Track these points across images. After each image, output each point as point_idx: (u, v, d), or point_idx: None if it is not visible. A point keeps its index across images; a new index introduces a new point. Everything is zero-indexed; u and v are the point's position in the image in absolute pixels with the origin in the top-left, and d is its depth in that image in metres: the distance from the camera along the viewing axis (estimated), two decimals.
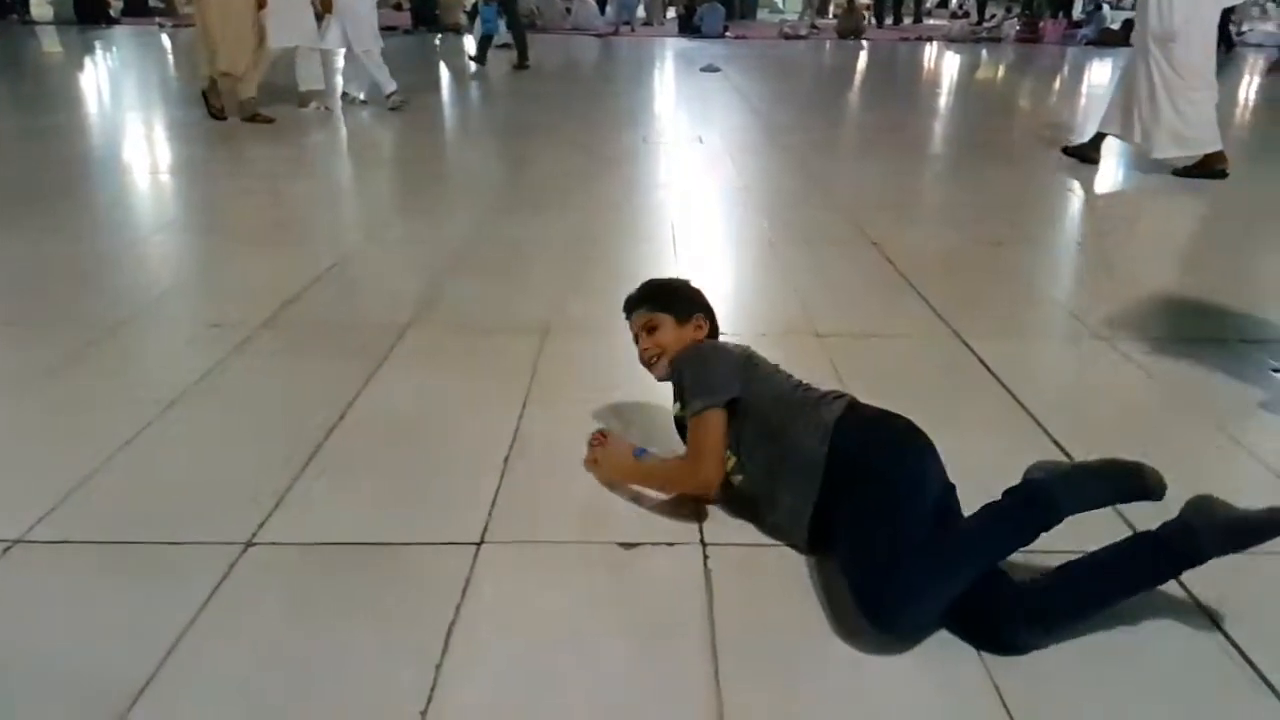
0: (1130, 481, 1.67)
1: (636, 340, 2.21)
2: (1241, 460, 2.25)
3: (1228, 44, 16.09)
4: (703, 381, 1.95)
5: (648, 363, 2.17)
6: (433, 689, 1.48)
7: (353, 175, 5.95)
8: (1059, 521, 1.64)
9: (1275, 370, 2.76)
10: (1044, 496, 1.66)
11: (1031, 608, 1.61)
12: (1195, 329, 3.11)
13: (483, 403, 2.50)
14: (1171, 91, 5.38)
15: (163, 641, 1.58)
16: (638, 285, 2.29)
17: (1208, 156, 5.51)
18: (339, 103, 7.97)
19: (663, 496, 2.02)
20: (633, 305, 2.25)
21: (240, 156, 6.03)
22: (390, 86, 7.78)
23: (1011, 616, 1.60)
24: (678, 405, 2.04)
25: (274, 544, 1.87)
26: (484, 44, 11.59)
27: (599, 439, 2.19)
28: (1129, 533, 1.83)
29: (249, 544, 1.86)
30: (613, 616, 1.68)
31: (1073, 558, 1.68)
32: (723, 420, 1.91)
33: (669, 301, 2.20)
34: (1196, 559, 1.60)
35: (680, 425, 2.05)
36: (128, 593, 1.73)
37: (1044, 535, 1.65)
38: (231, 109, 7.00)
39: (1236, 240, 4.33)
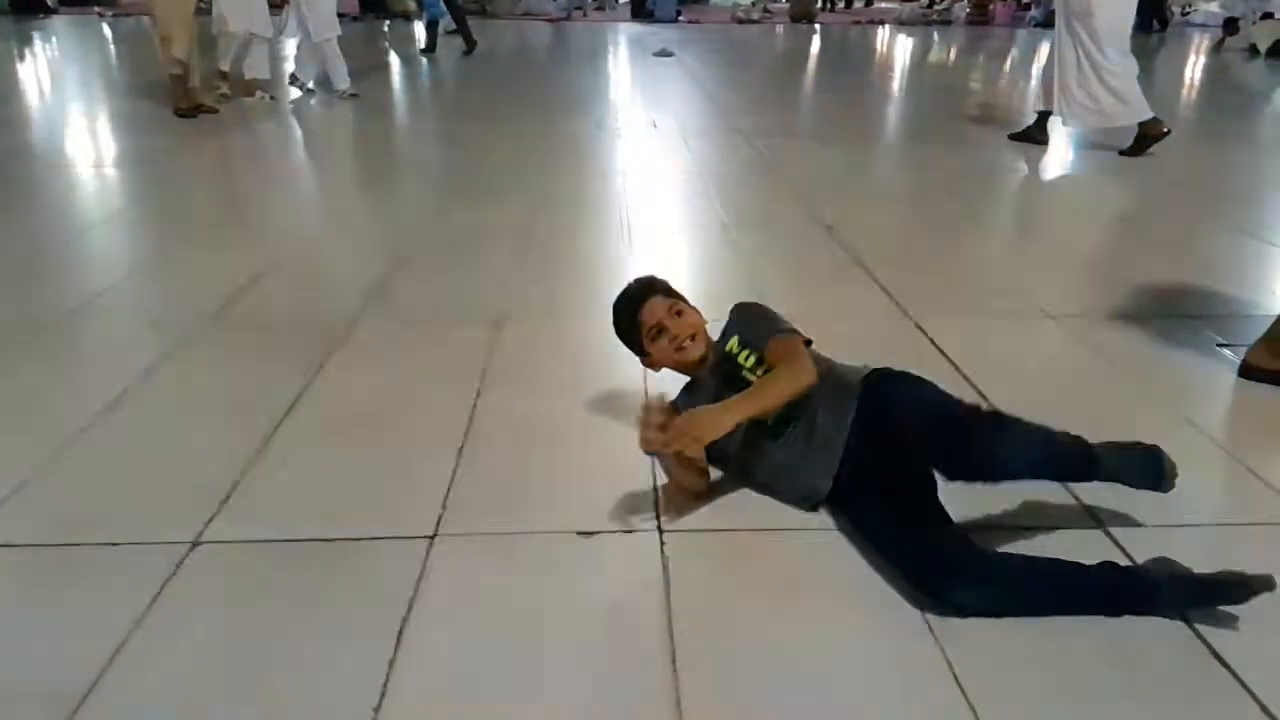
0: (1233, 590, 1.61)
1: (658, 333, 2.11)
2: (1187, 433, 2.29)
3: (1161, 23, 16.42)
4: (780, 320, 2.10)
5: (681, 345, 2.10)
6: (385, 685, 1.46)
7: (301, 165, 5.85)
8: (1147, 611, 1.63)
9: (1220, 345, 2.81)
10: (1146, 586, 1.64)
11: (987, 576, 1.65)
12: (1142, 305, 3.16)
13: (435, 394, 2.47)
14: (1089, 65, 5.53)
15: (107, 645, 1.54)
16: (625, 289, 2.23)
17: (1143, 126, 5.64)
18: (285, 91, 7.82)
19: (620, 487, 2.01)
20: (642, 300, 2.16)
21: (185, 148, 5.89)
22: (344, 84, 7.66)
23: (966, 580, 1.64)
24: (743, 349, 2.05)
25: (221, 543, 1.83)
26: (432, 29, 11.44)
27: (660, 416, 1.86)
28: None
29: (195, 543, 1.82)
30: (569, 607, 1.66)
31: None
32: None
33: (670, 288, 2.21)
34: (1153, 603, 1.62)
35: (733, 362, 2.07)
36: (71, 596, 1.69)
37: None
38: (189, 100, 6.73)
39: (1180, 217, 4.40)
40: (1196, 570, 1.64)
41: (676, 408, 1.95)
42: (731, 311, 2.19)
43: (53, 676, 1.48)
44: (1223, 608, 1.61)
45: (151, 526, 1.87)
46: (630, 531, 1.88)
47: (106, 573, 1.75)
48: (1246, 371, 2.61)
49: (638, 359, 2.23)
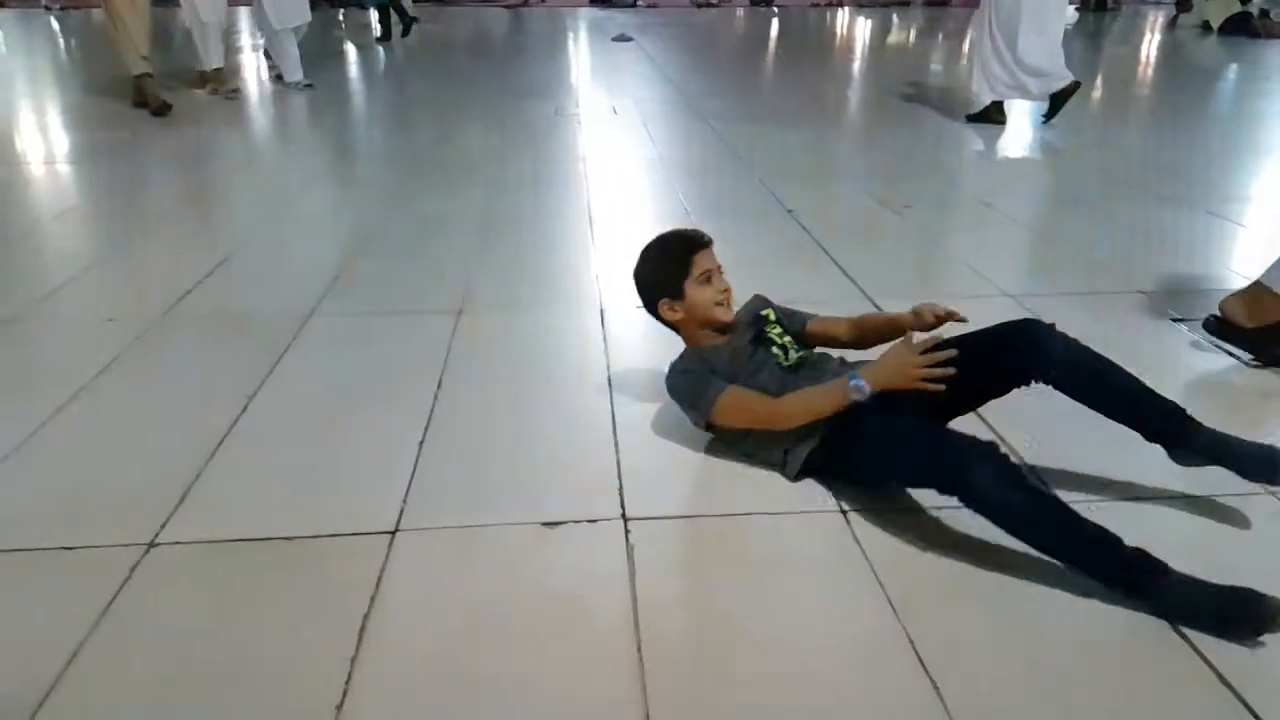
0: (1249, 609, 1.54)
1: (707, 280, 2.11)
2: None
3: (1100, 5, 16.65)
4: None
5: (724, 301, 2.12)
6: (348, 683, 1.44)
7: (257, 157, 5.74)
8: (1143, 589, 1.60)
9: (1175, 319, 2.85)
10: (1155, 568, 1.59)
11: (1005, 469, 1.65)
12: (1098, 282, 3.20)
13: (395, 386, 2.44)
14: (1004, 43, 5.78)
15: (62, 651, 1.51)
16: (678, 229, 2.23)
17: (1056, 93, 5.90)
18: (241, 82, 7.68)
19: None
20: (701, 244, 2.14)
21: (140, 142, 5.76)
22: (295, 75, 7.54)
23: (985, 461, 1.65)
24: (777, 323, 2.17)
25: (178, 543, 1.80)
26: (384, 16, 11.27)
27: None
28: None
29: (151, 544, 1.79)
30: (534, 599, 1.65)
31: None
32: None
33: None
34: (1149, 590, 1.59)
35: (801, 337, 2.19)
36: (24, 602, 1.65)
37: None
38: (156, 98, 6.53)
39: (1135, 194, 4.46)
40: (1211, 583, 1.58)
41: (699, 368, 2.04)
42: (754, 298, 2.27)
43: (7, 683, 1.45)
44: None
45: (106, 529, 1.83)
46: (594, 521, 1.87)
47: (61, 577, 1.71)
48: (1218, 325, 2.61)
49: (649, 307, 2.18)
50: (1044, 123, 6.03)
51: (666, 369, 2.14)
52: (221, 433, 2.19)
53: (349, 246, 3.65)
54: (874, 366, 1.87)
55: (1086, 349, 1.92)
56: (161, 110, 6.34)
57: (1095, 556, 1.62)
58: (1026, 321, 1.99)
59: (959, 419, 2.07)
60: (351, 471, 2.05)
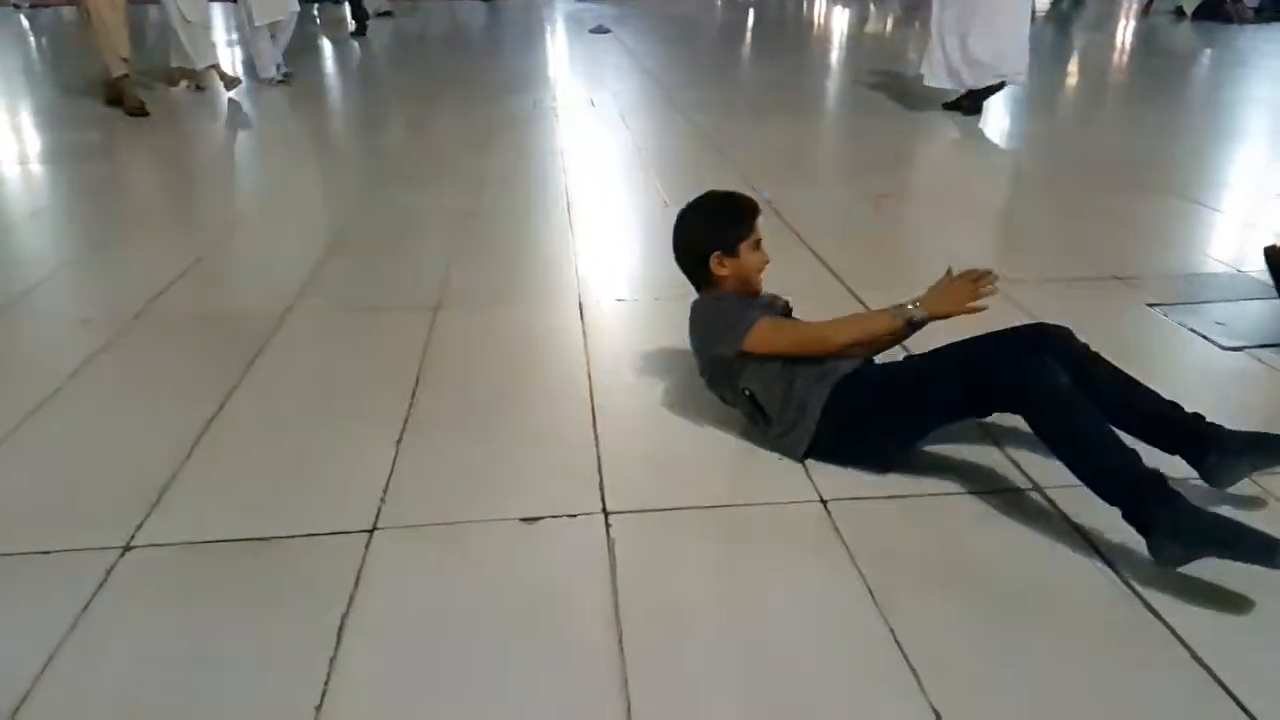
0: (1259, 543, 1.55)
1: (757, 246, 2.13)
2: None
3: None
4: None
5: (763, 271, 2.16)
6: (326, 684, 1.43)
7: (234, 155, 5.69)
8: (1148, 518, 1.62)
9: (1150, 305, 2.87)
10: (1172, 498, 1.61)
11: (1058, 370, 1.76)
12: (1074, 268, 3.22)
13: (372, 383, 2.43)
14: (952, 22, 5.82)
15: (37, 657, 1.50)
16: (733, 193, 2.21)
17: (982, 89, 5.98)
18: (212, 80, 7.59)
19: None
20: (757, 212, 2.15)
21: (116, 142, 5.69)
22: (268, 73, 7.47)
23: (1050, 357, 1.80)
24: None
25: (154, 546, 1.78)
26: (358, 11, 11.16)
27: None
28: None
29: (127, 547, 1.77)
30: (514, 595, 1.64)
31: None
32: None
33: None
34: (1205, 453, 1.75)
35: None
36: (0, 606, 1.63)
37: None
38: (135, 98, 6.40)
39: (1108, 180, 4.48)
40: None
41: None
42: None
43: None
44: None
45: (82, 531, 1.81)
46: (575, 516, 1.86)
47: (36, 581, 1.69)
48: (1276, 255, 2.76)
49: (693, 257, 2.15)
50: (952, 110, 6.10)
51: (690, 326, 2.16)
52: (197, 433, 2.17)
53: (325, 243, 3.63)
54: (925, 296, 1.97)
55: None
56: (137, 111, 6.26)
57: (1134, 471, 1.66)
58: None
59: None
60: (328, 470, 2.03)
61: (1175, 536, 1.58)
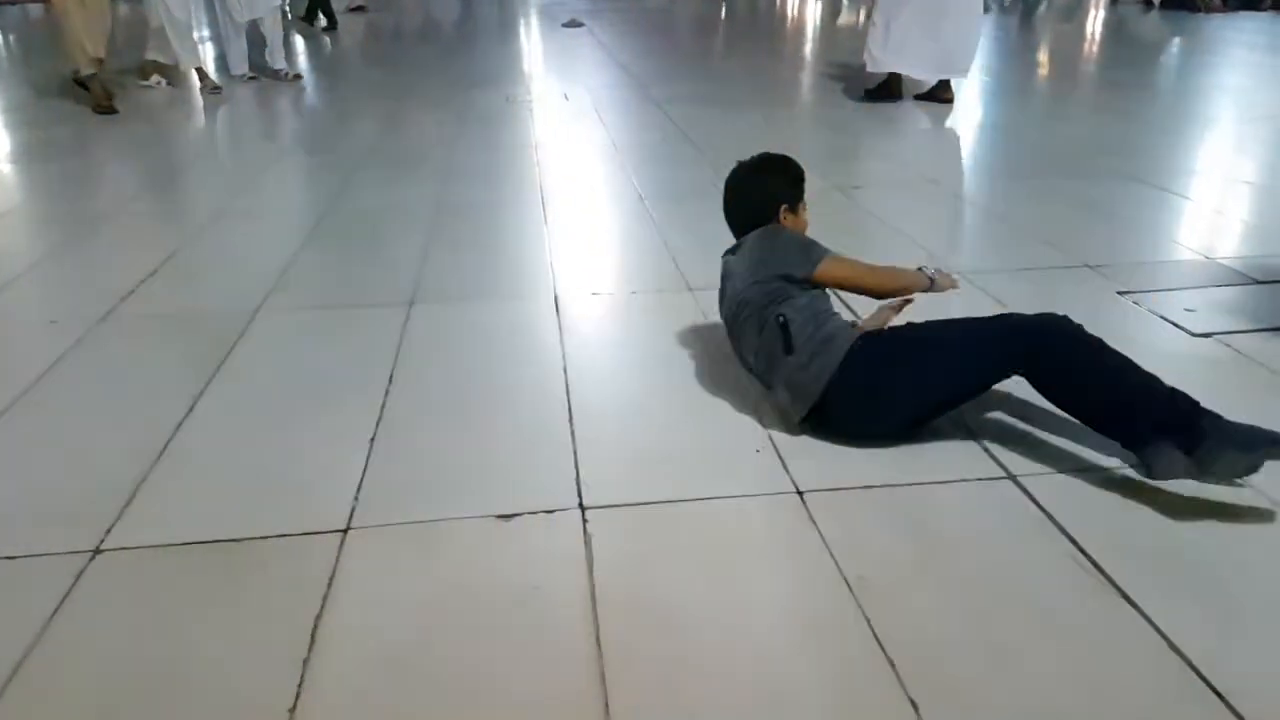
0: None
1: (807, 207, 2.39)
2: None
3: None
4: None
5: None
6: (300, 686, 1.42)
7: (205, 153, 5.62)
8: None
9: (1121, 293, 2.89)
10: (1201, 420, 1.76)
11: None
12: (1045, 257, 3.24)
13: (345, 381, 2.41)
14: (892, 16, 5.88)
15: (5, 664, 1.47)
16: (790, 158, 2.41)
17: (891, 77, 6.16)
18: (182, 77, 7.49)
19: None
20: None
21: (85, 141, 5.60)
22: (240, 69, 7.39)
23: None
24: None
25: (124, 549, 1.76)
26: (325, 7, 11.02)
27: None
28: None
29: (96, 551, 1.75)
30: (491, 593, 1.63)
31: None
32: None
33: None
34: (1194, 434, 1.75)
35: None
36: None
37: None
38: (106, 96, 6.29)
39: (1077, 169, 4.51)
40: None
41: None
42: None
43: None
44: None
45: (50, 536, 1.78)
46: (551, 512, 1.85)
47: (3, 587, 1.66)
48: None
49: (763, 209, 2.30)
50: (874, 100, 6.22)
51: (754, 248, 2.23)
52: (167, 434, 2.14)
53: (297, 240, 3.59)
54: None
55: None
56: (105, 109, 6.18)
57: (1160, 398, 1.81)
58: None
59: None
60: (301, 470, 2.01)
61: (1228, 441, 1.71)
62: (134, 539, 1.78)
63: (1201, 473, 1.74)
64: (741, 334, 2.21)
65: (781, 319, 2.08)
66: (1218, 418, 1.77)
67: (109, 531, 1.80)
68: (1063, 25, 12.22)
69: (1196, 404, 1.80)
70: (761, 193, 2.32)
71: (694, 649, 1.50)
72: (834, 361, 2.01)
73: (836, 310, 2.22)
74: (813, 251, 2.16)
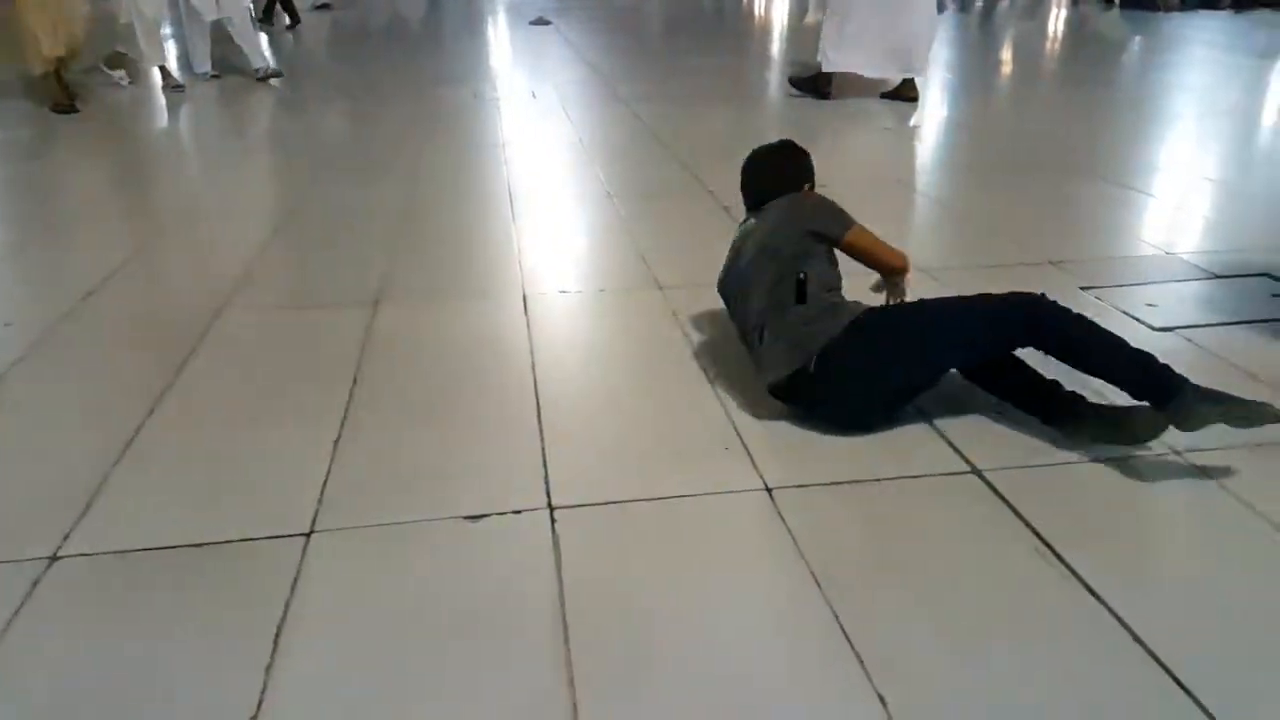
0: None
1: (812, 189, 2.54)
2: (1059, 371, 2.36)
3: None
4: None
5: None
6: (263, 693, 1.40)
7: (166, 153, 5.54)
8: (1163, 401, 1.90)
9: (1083, 289, 2.92)
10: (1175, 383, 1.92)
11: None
12: (1008, 254, 3.27)
13: (308, 383, 2.38)
14: (847, 15, 5.99)
15: None
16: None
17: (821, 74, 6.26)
18: (143, 75, 7.37)
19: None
20: None
21: (44, 141, 5.49)
22: (203, 67, 7.30)
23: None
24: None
25: (82, 555, 1.72)
26: (286, 4, 10.88)
27: None
28: None
29: (54, 558, 1.71)
30: (458, 595, 1.62)
31: None
32: None
33: None
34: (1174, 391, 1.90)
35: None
36: None
37: None
38: (66, 95, 6.14)
39: (1039, 167, 4.55)
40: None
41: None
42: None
43: None
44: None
45: (6, 543, 1.75)
46: (519, 512, 1.84)
47: None
48: None
49: (796, 183, 2.50)
50: (802, 91, 6.35)
51: (789, 209, 2.35)
52: (127, 438, 2.11)
53: (260, 240, 3.54)
54: None
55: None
56: (64, 108, 6.06)
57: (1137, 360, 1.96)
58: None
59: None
60: (264, 473, 1.98)
61: (1201, 395, 1.89)
62: (93, 545, 1.75)
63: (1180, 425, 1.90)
64: (755, 281, 2.26)
65: (803, 275, 2.18)
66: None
67: (66, 537, 1.76)
68: (1025, 24, 12.35)
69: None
70: (794, 167, 2.52)
71: (662, 648, 1.50)
72: (837, 326, 2.08)
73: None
74: (844, 218, 2.30)
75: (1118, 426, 1.97)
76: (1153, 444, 1.98)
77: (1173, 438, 1.95)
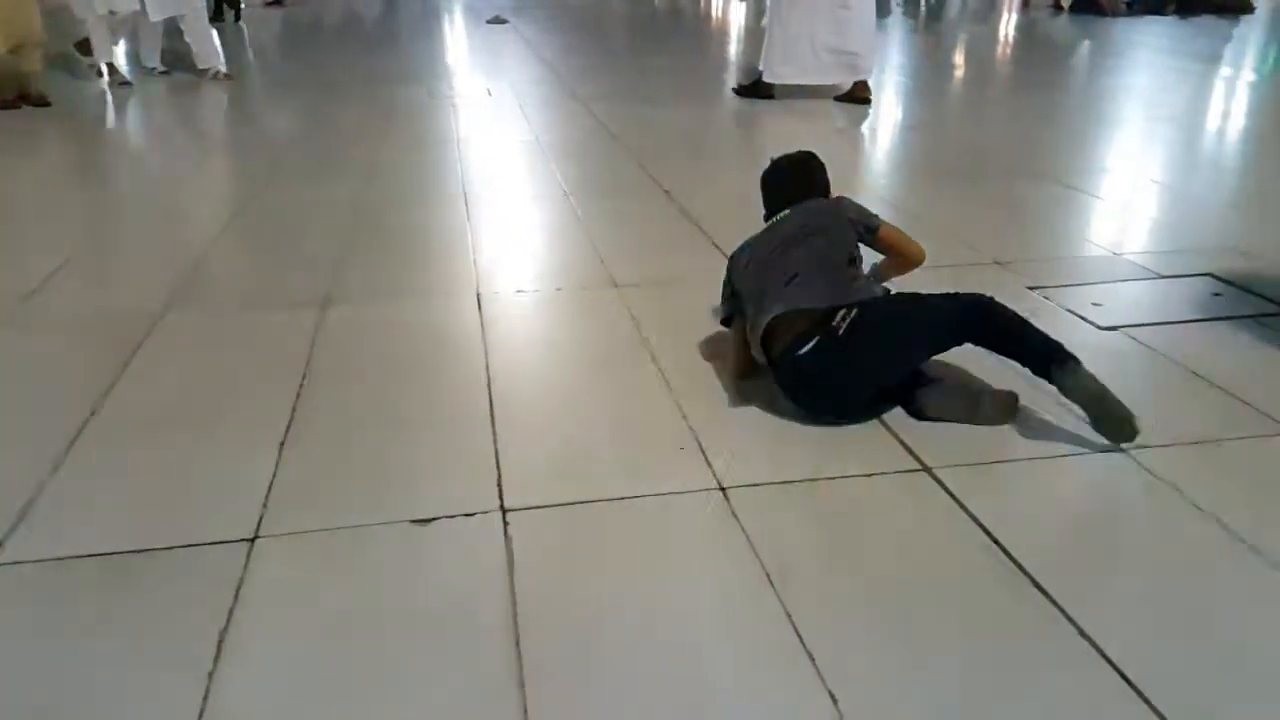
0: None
1: None
2: (1006, 372, 2.39)
3: None
4: None
5: None
6: (205, 700, 1.36)
7: (115, 150, 5.42)
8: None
9: (1030, 288, 2.96)
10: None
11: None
12: (954, 253, 3.29)
13: (254, 385, 2.33)
14: (789, 23, 6.04)
15: None
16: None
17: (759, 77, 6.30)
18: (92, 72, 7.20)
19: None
20: None
21: None
22: (152, 61, 7.14)
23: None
24: None
25: (18, 563, 1.68)
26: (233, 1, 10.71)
27: None
28: None
29: None
30: (406, 600, 1.59)
31: None
32: None
33: None
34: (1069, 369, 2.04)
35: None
36: None
37: None
38: (12, 89, 5.97)
39: (988, 168, 4.62)
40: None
41: None
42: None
43: None
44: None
45: None
46: (471, 515, 1.82)
47: None
48: None
49: (826, 189, 2.66)
50: (748, 95, 6.35)
51: (841, 203, 2.51)
52: (67, 443, 2.05)
53: (207, 239, 3.47)
54: None
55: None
56: (6, 105, 5.90)
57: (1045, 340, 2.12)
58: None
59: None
60: (207, 477, 1.94)
61: (1087, 376, 2.02)
62: (30, 552, 1.70)
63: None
64: (801, 242, 2.33)
65: (854, 252, 2.38)
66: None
67: (2, 545, 1.71)
68: (977, 28, 12.52)
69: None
70: (823, 175, 2.71)
71: (614, 650, 1.49)
72: (876, 292, 2.27)
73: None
74: (876, 217, 2.49)
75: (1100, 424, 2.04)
76: (1105, 443, 2.01)
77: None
